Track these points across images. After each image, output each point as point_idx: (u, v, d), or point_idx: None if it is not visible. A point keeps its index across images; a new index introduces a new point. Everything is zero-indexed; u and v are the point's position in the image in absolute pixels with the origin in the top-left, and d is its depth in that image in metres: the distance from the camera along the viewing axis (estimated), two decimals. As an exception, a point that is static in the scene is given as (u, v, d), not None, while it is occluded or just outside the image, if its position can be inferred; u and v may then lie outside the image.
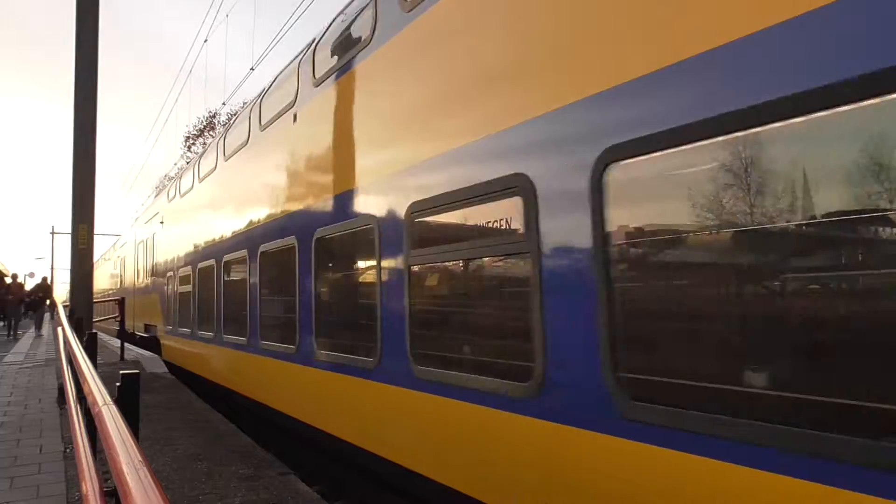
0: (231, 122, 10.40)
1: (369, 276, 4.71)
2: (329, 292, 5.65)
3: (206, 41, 19.94)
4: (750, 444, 2.13)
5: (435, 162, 3.90)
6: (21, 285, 21.63)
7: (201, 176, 10.23)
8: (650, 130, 2.54)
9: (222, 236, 8.73)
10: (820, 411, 2.02)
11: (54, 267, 49.54)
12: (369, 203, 4.68)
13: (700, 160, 2.39)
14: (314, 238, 5.58)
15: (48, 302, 21.91)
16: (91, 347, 6.58)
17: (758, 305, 2.34)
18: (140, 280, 16.18)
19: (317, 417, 5.49)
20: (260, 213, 7.19)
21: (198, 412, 7.98)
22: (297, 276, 5.93)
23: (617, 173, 2.70)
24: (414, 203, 4.06)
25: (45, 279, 23.30)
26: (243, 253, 7.58)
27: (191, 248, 10.64)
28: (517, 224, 3.23)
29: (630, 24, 2.69)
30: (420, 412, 3.91)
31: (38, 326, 21.61)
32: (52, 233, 50.30)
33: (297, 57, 6.47)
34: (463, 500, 3.49)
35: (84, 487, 2.78)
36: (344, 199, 5.08)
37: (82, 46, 8.47)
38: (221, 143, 9.10)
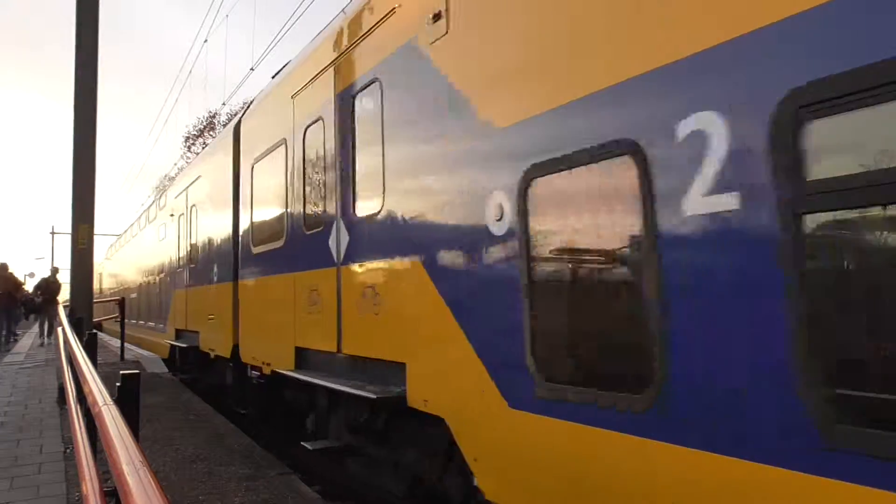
0: None
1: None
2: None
3: (206, 41, 19.94)
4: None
5: None
6: (18, 284, 17.37)
7: None
8: None
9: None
10: None
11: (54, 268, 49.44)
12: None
13: None
14: None
15: (57, 303, 16.42)
16: (91, 347, 6.58)
17: None
18: None
19: None
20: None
21: (198, 412, 7.98)
22: None
23: None
24: None
25: (54, 271, 18.31)
26: None
27: None
28: None
29: None
30: None
31: (45, 332, 17.24)
32: (52, 233, 50.30)
33: None
34: None
35: (84, 487, 2.78)
36: None
37: (82, 46, 8.47)
38: None
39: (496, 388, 3.12)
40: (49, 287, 17.36)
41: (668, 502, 2.32)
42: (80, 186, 8.55)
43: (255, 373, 6.76)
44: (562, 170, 2.80)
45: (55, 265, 18.84)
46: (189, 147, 40.12)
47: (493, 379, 3.15)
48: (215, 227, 8.43)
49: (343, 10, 5.46)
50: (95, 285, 24.90)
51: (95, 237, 8.96)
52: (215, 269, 8.24)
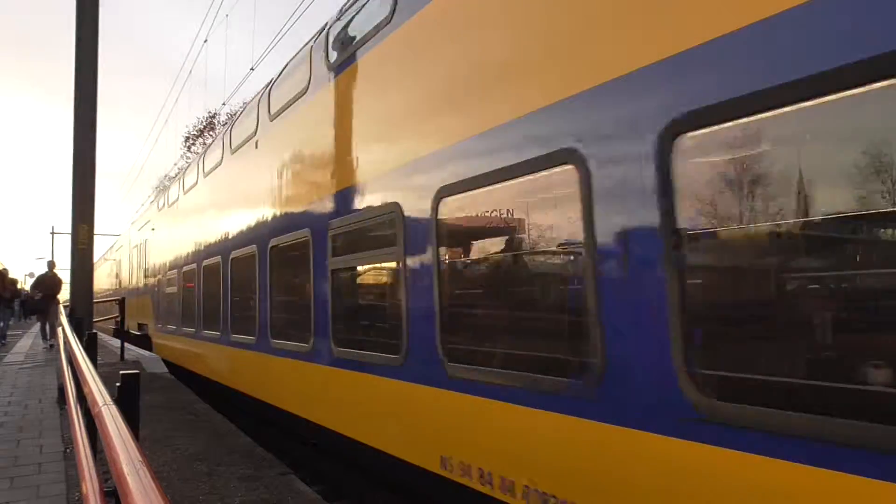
0: None
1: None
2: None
3: (206, 41, 20.01)
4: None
5: None
6: (11, 281, 16.05)
7: None
8: None
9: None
10: None
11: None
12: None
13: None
14: None
15: (57, 301, 14.95)
16: (91, 347, 6.58)
17: None
18: None
19: None
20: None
21: (198, 412, 7.98)
22: None
23: None
24: None
25: (51, 265, 15.93)
26: None
27: None
28: None
29: None
30: None
31: (47, 335, 15.60)
32: (52, 233, 50.30)
33: None
34: None
35: (84, 487, 2.78)
36: None
37: (82, 46, 8.46)
38: None
39: None
40: (47, 283, 15.49)
41: None
42: (80, 187, 8.54)
43: None
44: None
45: (51, 259, 15.90)
46: (189, 147, 40.10)
47: None
48: None
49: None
50: (126, 277, 20.75)
51: (95, 237, 8.96)
52: None
